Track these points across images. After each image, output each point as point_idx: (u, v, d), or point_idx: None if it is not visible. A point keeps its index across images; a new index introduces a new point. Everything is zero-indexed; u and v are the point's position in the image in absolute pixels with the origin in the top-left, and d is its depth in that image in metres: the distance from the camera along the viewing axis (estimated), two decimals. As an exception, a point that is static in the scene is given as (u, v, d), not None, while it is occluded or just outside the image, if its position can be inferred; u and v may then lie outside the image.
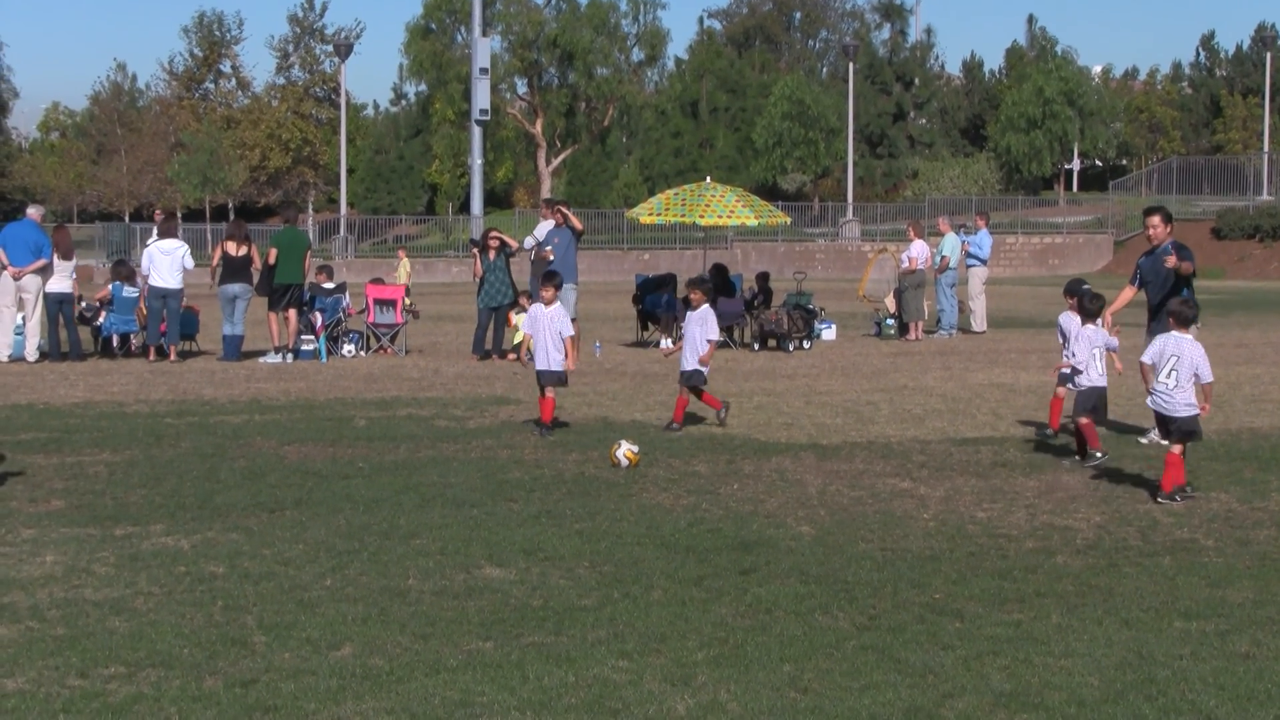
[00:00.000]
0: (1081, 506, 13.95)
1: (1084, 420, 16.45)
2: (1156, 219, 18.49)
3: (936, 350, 30.79)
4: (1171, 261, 17.94)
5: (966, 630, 9.73)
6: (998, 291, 47.02)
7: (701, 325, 19.01)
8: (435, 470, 15.68)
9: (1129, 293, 18.67)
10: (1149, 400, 14.86)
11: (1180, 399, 14.48)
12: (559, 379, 18.72)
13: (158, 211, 41.96)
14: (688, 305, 19.44)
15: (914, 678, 8.77)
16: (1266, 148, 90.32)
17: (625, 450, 15.94)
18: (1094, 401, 16.63)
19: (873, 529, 12.88)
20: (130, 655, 9.15)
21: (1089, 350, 16.70)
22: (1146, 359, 14.96)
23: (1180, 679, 8.75)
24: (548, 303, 18.73)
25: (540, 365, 18.66)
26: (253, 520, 13.13)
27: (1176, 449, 14.45)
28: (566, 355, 18.62)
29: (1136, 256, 18.89)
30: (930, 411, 20.63)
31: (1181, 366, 14.50)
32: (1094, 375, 16.65)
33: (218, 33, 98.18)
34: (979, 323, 35.40)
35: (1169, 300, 16.58)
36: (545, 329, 18.59)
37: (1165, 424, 14.71)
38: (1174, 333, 14.72)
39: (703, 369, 19.03)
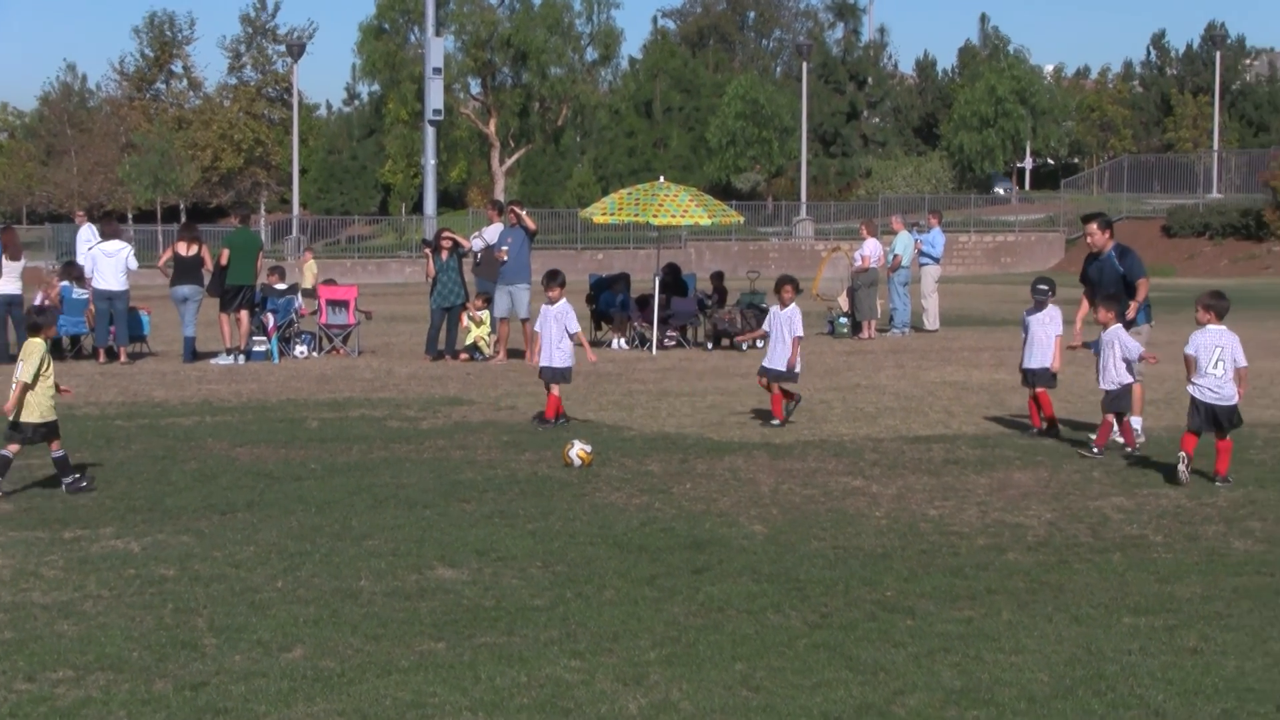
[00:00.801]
0: (1033, 504, 14.00)
1: (1109, 418, 16.94)
2: (1093, 226, 18.50)
3: (889, 348, 30.86)
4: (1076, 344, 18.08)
5: (918, 627, 9.75)
6: (950, 290, 47.15)
7: (789, 324, 19.31)
8: (388, 471, 15.65)
9: (1087, 305, 18.64)
10: (1195, 394, 15.27)
11: (1228, 390, 15.09)
12: (558, 375, 19.06)
13: (78, 213, 41.67)
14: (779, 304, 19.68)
15: (865, 675, 8.79)
16: (1216, 146, 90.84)
17: (578, 450, 15.94)
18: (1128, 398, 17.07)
19: (825, 527, 12.90)
20: (79, 659, 9.11)
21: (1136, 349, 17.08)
22: (1191, 350, 15.37)
23: (1129, 674, 8.80)
24: (553, 301, 19.10)
25: (543, 361, 19.10)
26: (204, 522, 13.08)
27: (1228, 439, 15.20)
28: (584, 347, 19.27)
29: (1084, 255, 18.96)
30: (883, 410, 20.68)
31: (1227, 356, 15.13)
32: (1125, 373, 17.01)
33: (169, 33, 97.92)
34: (932, 321, 35.49)
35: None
36: (551, 326, 19.05)
37: (1211, 414, 15.15)
38: (1210, 325, 15.28)
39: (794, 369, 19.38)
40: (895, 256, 34.81)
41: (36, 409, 14.46)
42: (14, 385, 14.43)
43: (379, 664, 9.00)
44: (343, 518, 13.25)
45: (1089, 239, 18.50)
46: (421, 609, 10.21)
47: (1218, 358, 15.11)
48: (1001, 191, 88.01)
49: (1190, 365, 15.40)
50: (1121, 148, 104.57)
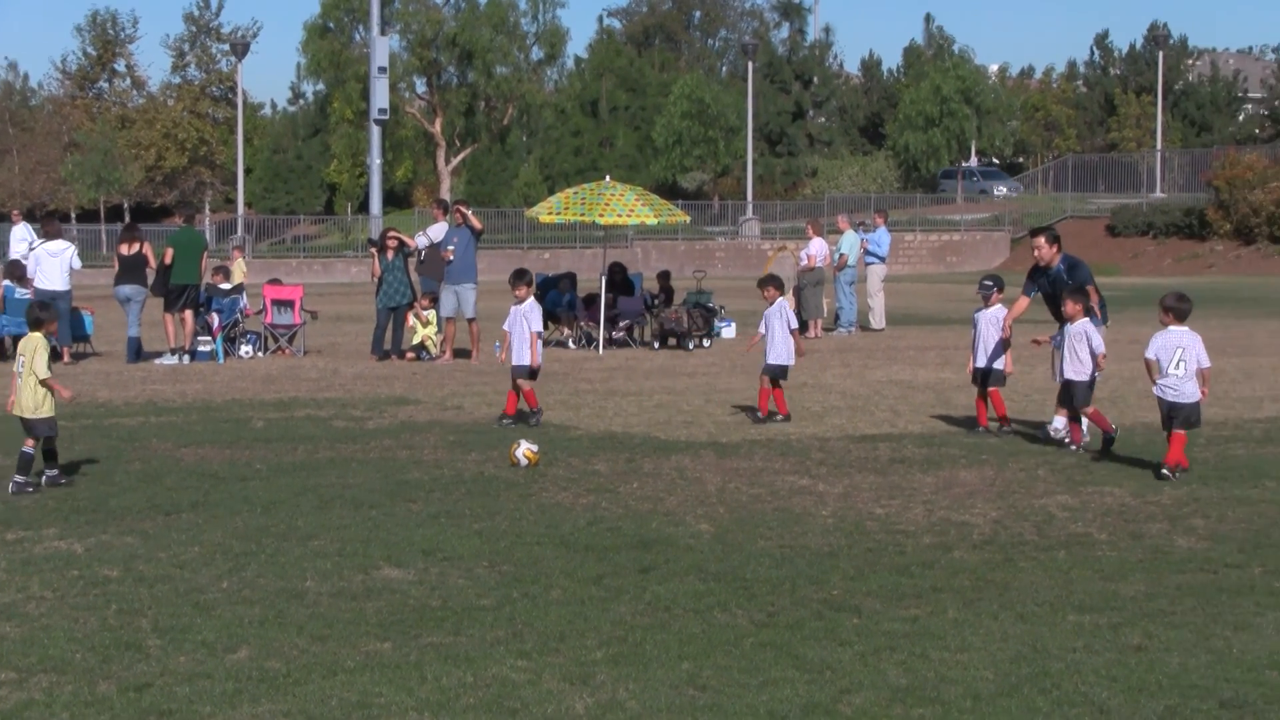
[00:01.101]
0: (978, 502, 14.05)
1: (1091, 410, 17.06)
2: (1041, 240, 18.54)
3: (836, 347, 30.93)
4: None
5: (864, 626, 9.78)
6: (896, 289, 47.30)
7: (780, 317, 19.59)
8: (334, 471, 15.60)
9: (1024, 303, 18.70)
10: (1156, 390, 15.70)
11: (1189, 389, 15.46)
12: (524, 372, 19.23)
13: (15, 212, 41.42)
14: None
15: (812, 674, 8.80)
16: (1160, 145, 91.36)
17: (525, 450, 15.92)
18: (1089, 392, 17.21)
19: (771, 526, 12.92)
20: (21, 661, 9.05)
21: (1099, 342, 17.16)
22: (1151, 354, 15.72)
23: (1074, 671, 8.84)
24: (521, 300, 19.46)
25: (515, 360, 19.35)
26: (148, 523, 13.01)
27: (1181, 431, 15.47)
28: (533, 348, 19.26)
29: (1030, 253, 19.03)
30: (829, 409, 20.72)
31: (1188, 357, 15.49)
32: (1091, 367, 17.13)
33: (112, 31, 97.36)
34: (878, 320, 35.59)
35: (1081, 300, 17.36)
36: (521, 325, 19.30)
37: (1172, 412, 15.52)
38: (1172, 327, 15.65)
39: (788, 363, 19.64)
40: (841, 256, 34.91)
41: (44, 402, 14.73)
42: (39, 382, 14.69)
43: (325, 665, 8.97)
44: (288, 518, 13.20)
45: (1036, 252, 18.51)
46: (367, 609, 10.18)
47: (1179, 359, 15.52)
48: (1006, 190, 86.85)
49: (1151, 368, 15.77)
50: (1066, 147, 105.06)
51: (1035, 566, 11.45)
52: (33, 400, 14.75)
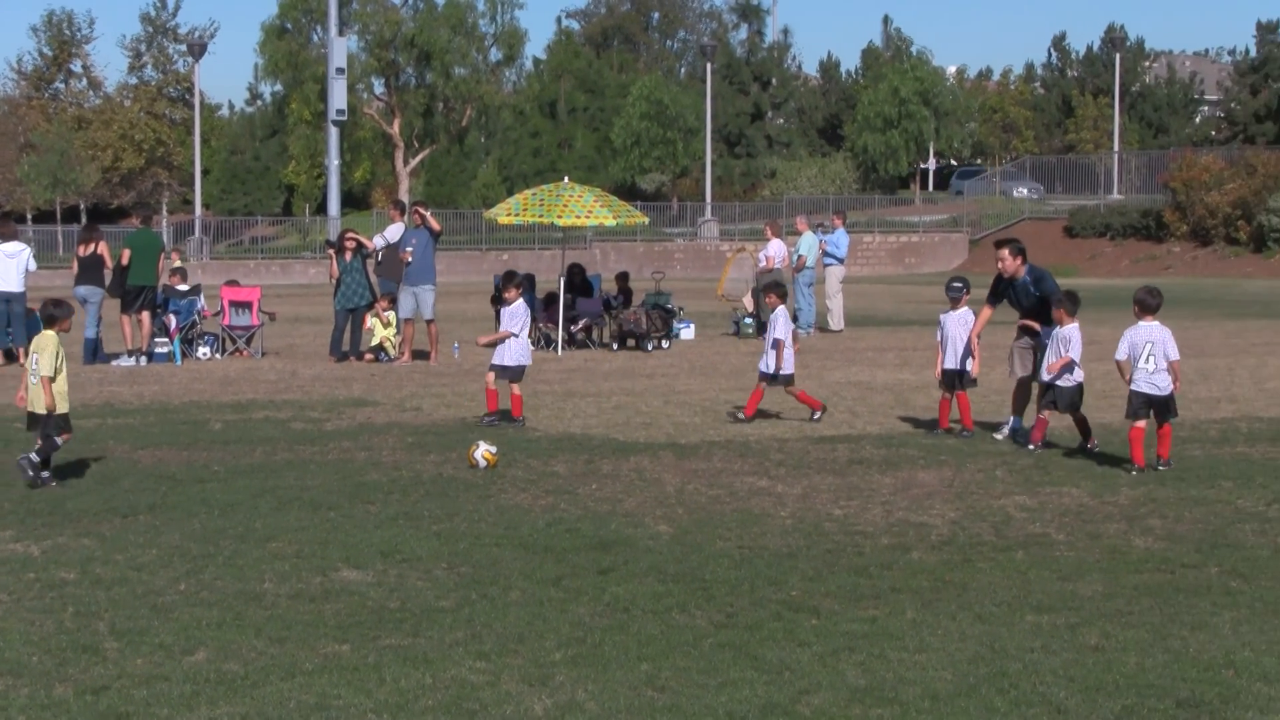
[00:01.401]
0: (937, 503, 14.09)
1: (1080, 415, 17.28)
2: (1005, 252, 18.57)
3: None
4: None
5: (823, 627, 9.79)
6: (855, 290, 47.39)
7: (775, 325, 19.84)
8: (292, 473, 15.56)
9: (987, 312, 18.75)
10: (1133, 386, 15.97)
11: (1162, 380, 15.92)
12: (514, 373, 19.36)
13: None
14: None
15: (771, 674, 8.81)
16: (1117, 147, 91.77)
17: (483, 451, 15.91)
18: (1079, 396, 17.35)
19: (730, 527, 12.93)
20: (-22, 664, 9.00)
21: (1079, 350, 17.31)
22: (1122, 355, 16.07)
23: (1031, 672, 8.86)
24: (510, 301, 19.61)
25: (496, 360, 19.37)
26: (105, 525, 12.96)
27: (1168, 426, 16.07)
28: (491, 338, 19.65)
29: (990, 253, 19.13)
30: (788, 410, 20.74)
31: (1158, 351, 15.95)
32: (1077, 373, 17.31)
33: (68, 31, 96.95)
34: (837, 321, 35.65)
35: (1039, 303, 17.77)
36: (508, 325, 19.43)
37: (1150, 405, 15.95)
38: (1142, 322, 16.08)
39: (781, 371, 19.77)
40: (800, 257, 34.95)
41: (64, 398, 15.03)
42: (33, 380, 14.91)
43: (283, 667, 8.94)
44: (246, 520, 13.16)
45: (1000, 264, 18.56)
46: (326, 611, 10.16)
47: (1148, 353, 15.89)
48: (1025, 192, 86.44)
49: (1123, 368, 16.12)
50: (1024, 149, 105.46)
51: (993, 567, 11.49)
52: (43, 399, 14.92)
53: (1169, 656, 9.18)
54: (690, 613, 10.13)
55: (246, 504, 13.88)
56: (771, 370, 19.71)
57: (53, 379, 14.91)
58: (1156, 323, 16.03)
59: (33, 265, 27.82)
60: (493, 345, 19.56)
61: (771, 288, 20.29)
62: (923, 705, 8.30)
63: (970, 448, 17.36)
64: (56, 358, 14.96)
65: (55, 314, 15.44)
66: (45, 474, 14.83)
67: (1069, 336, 17.17)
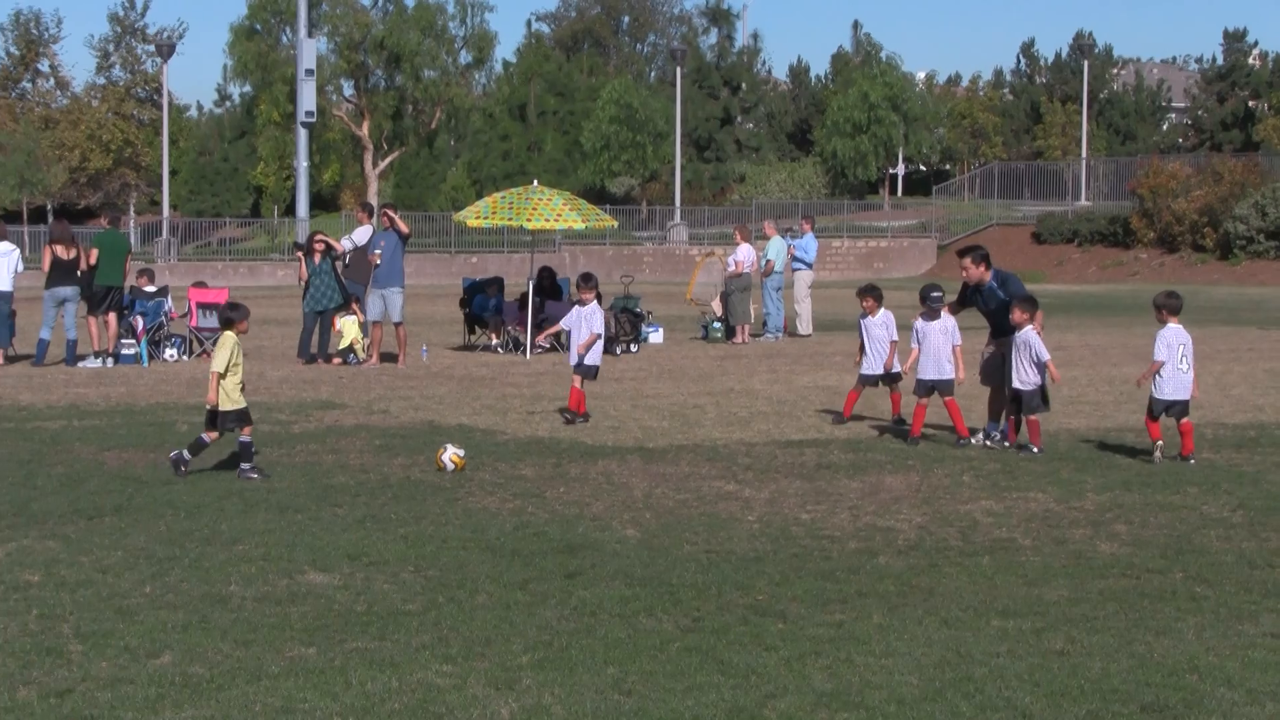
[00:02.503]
0: (903, 508, 14.12)
1: (1034, 418, 17.49)
2: (967, 261, 18.66)
3: (763, 353, 31.01)
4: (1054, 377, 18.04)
5: (789, 631, 9.80)
6: (823, 295, 47.42)
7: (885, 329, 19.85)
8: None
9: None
10: (1163, 392, 16.65)
11: (1189, 382, 16.77)
12: (591, 372, 20.12)
13: None
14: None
15: (737, 679, 8.82)
16: (1085, 154, 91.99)
17: (451, 454, 15.90)
18: (1039, 399, 17.62)
19: (698, 531, 12.94)
20: (-58, 666, 8.96)
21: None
22: (1162, 356, 16.67)
23: (997, 676, 8.89)
24: (584, 303, 20.30)
25: (574, 360, 20.10)
26: (70, 527, 12.91)
27: (1187, 420, 16.74)
28: (580, 345, 20.10)
29: (956, 258, 19.24)
30: (756, 414, 20.78)
31: (1189, 352, 16.80)
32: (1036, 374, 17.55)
33: (35, 31, 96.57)
34: (805, 326, 35.68)
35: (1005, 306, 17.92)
36: (582, 326, 20.06)
37: (1172, 409, 16.65)
38: (1171, 324, 16.81)
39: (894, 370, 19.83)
40: (769, 261, 34.98)
41: (226, 398, 15.54)
42: (210, 376, 15.57)
43: (249, 670, 8.92)
44: (212, 522, 13.13)
45: (964, 273, 18.64)
46: (292, 614, 10.14)
47: (1183, 354, 16.68)
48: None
49: (1159, 366, 16.69)
50: (992, 154, 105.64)
51: (959, 572, 11.51)
52: (212, 392, 15.60)
53: (1134, 661, 9.21)
54: (657, 617, 10.14)
55: (213, 506, 13.85)
56: (880, 371, 19.74)
57: (223, 376, 15.48)
58: (1180, 325, 16.76)
59: (20, 266, 27.75)
60: (586, 347, 20.07)
61: (868, 292, 20.09)
62: (889, 710, 8.31)
63: (937, 453, 17.40)
64: (231, 356, 15.54)
65: (232, 316, 16.07)
66: (248, 465, 15.46)
67: (1028, 340, 17.30)
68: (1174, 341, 16.69)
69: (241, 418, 15.66)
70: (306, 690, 8.56)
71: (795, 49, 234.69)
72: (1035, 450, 17.21)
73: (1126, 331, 35.68)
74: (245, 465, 15.49)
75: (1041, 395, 17.54)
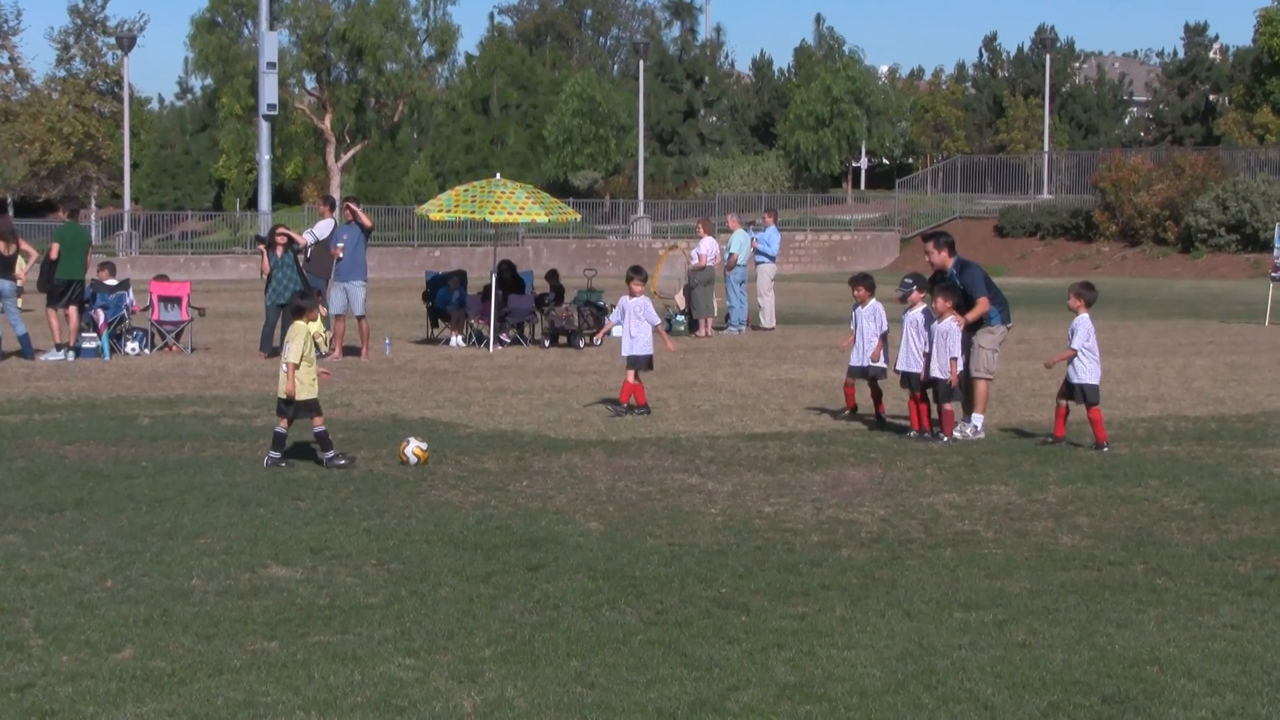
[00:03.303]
0: (866, 500, 14.14)
1: (949, 407, 17.70)
2: (930, 245, 18.72)
3: (726, 346, 31.04)
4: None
5: (752, 624, 9.81)
6: (786, 288, 47.47)
7: (873, 320, 19.66)
8: (221, 469, 15.48)
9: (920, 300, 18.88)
10: (1087, 377, 17.14)
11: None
12: (642, 362, 20.20)
13: None
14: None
15: (700, 671, 8.83)
16: (1047, 147, 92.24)
17: (414, 448, 15.88)
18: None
19: (661, 524, 12.94)
20: (-99, 661, 8.92)
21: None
22: (1087, 343, 17.14)
23: (959, 668, 8.91)
24: (634, 295, 20.42)
25: (625, 351, 20.25)
26: (31, 522, 12.86)
27: (1096, 408, 17.13)
28: (663, 338, 20.70)
29: (921, 251, 19.34)
30: (719, 407, 20.79)
31: (1093, 339, 17.30)
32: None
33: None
34: (768, 319, 35.71)
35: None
36: (630, 319, 20.17)
37: (1082, 391, 17.16)
38: (1084, 313, 17.30)
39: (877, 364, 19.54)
40: (731, 255, 35.00)
41: (300, 388, 15.82)
42: (284, 367, 15.89)
43: (210, 664, 8.90)
44: (174, 516, 13.09)
45: (928, 258, 18.69)
46: (254, 608, 10.11)
47: (1093, 342, 17.25)
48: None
49: (1076, 352, 17.11)
50: (955, 148, 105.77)
51: (922, 564, 11.54)
52: (284, 385, 15.86)
53: (1095, 653, 9.24)
54: (620, 609, 10.14)
55: (174, 500, 13.81)
56: (865, 364, 19.38)
57: (297, 366, 15.75)
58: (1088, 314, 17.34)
59: None
60: (663, 343, 20.79)
61: (860, 281, 19.83)
62: (851, 702, 8.33)
63: (900, 446, 17.43)
64: (305, 346, 15.84)
65: (303, 305, 16.37)
66: (331, 453, 15.70)
67: (948, 331, 17.37)
68: (1090, 328, 17.25)
69: (313, 408, 15.91)
70: (269, 684, 8.54)
71: (758, 43, 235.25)
72: (945, 440, 17.35)
73: (1088, 325, 35.77)
74: (330, 454, 15.69)
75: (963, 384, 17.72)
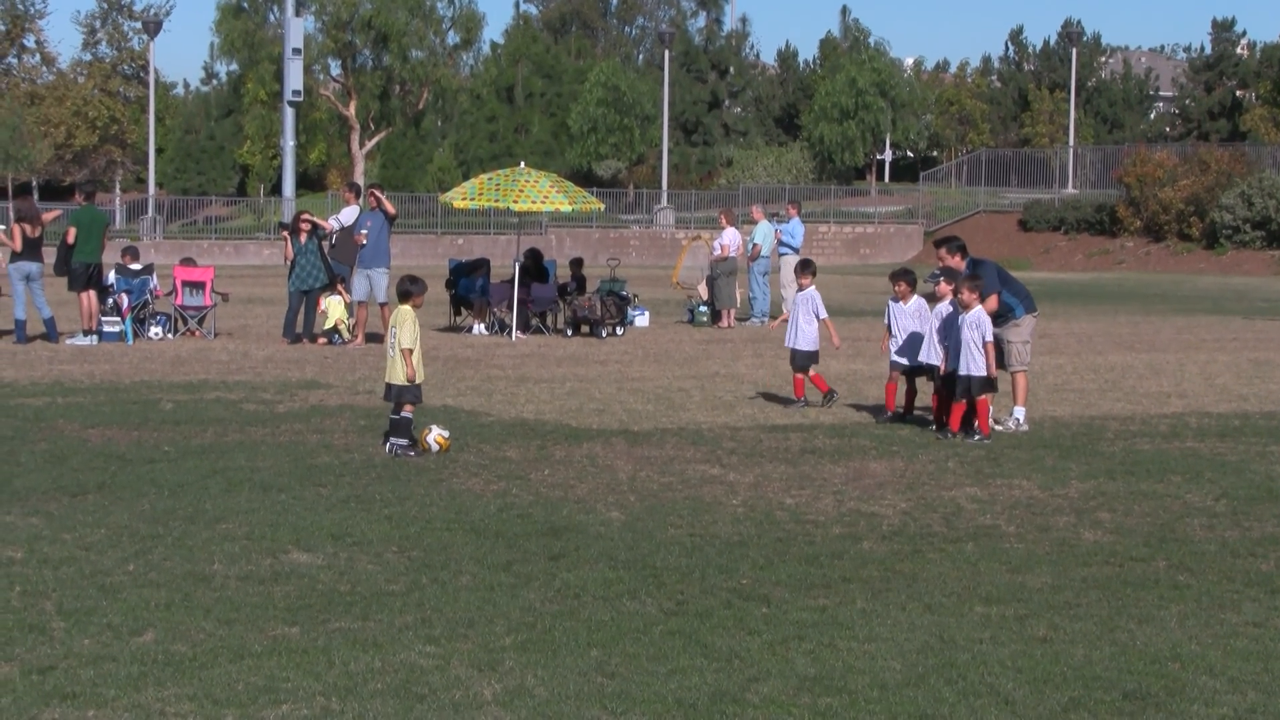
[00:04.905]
0: (888, 493, 14.12)
1: (985, 399, 17.48)
2: (942, 251, 18.69)
3: (748, 338, 31.02)
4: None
5: (773, 615, 9.81)
6: (809, 280, 47.44)
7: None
8: (243, 454, 15.50)
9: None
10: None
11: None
12: (806, 357, 19.84)
13: None
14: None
15: (720, 662, 8.82)
16: (1072, 142, 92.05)
17: (436, 435, 15.89)
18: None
19: (682, 515, 12.94)
20: (-76, 642, 8.94)
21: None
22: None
23: (980, 662, 8.90)
24: (804, 288, 20.21)
25: (789, 344, 20.05)
26: (53, 504, 12.89)
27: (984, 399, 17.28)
28: (830, 331, 20.31)
29: (934, 248, 19.39)
30: (741, 398, 20.78)
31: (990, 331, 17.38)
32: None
33: (22, 6, 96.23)
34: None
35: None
36: (799, 311, 19.98)
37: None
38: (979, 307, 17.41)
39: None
40: (754, 246, 34.97)
41: (397, 372, 15.88)
42: (400, 353, 15.82)
43: (231, 648, 8.91)
44: (196, 501, 13.11)
45: (940, 263, 18.73)
46: (275, 593, 10.13)
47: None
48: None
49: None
50: (979, 141, 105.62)
51: (943, 558, 11.52)
52: (404, 370, 15.82)
53: (1116, 649, 9.22)
54: (640, 599, 10.14)
55: (196, 485, 13.83)
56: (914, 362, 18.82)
57: (411, 351, 15.77)
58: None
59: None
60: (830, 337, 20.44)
61: (901, 276, 19.56)
62: (871, 695, 8.32)
63: (922, 439, 17.41)
64: (416, 330, 15.94)
65: (411, 290, 16.29)
66: (403, 441, 15.67)
67: (978, 320, 17.38)
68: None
69: (418, 394, 16.05)
70: (289, 669, 8.55)
71: (783, 34, 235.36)
72: (978, 438, 17.10)
73: (1111, 320, 35.71)
74: (402, 442, 15.65)
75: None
